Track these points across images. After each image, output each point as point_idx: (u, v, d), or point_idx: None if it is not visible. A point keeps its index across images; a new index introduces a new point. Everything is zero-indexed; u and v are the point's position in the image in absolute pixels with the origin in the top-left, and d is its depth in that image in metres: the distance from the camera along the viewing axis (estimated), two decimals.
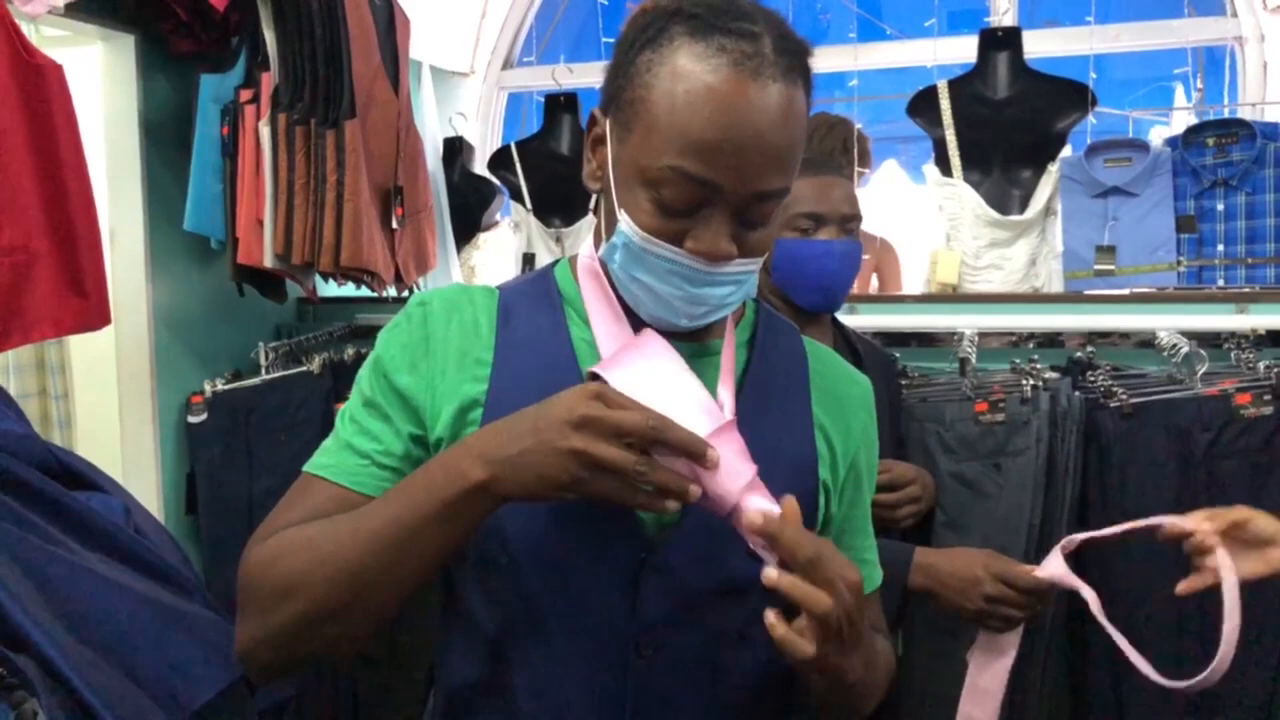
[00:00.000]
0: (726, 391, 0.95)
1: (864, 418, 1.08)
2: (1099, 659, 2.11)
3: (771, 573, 0.82)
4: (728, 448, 0.84)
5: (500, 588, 0.95)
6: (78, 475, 1.26)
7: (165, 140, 2.45)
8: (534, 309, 0.99)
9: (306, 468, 0.96)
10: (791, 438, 1.00)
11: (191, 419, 2.56)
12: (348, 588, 0.86)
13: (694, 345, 0.98)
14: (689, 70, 0.84)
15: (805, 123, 0.89)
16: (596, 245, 0.97)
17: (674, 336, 0.93)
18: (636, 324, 0.95)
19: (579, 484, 0.80)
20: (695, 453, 0.81)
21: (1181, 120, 3.03)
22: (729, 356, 0.98)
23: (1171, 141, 2.57)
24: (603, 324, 0.95)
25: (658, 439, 0.80)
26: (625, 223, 0.89)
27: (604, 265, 0.95)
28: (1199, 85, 3.06)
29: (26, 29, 2.36)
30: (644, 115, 0.86)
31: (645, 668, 0.93)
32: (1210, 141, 2.49)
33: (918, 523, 1.80)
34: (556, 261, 1.05)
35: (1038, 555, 2.09)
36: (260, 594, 0.90)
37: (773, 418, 0.99)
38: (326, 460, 0.96)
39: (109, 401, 2.54)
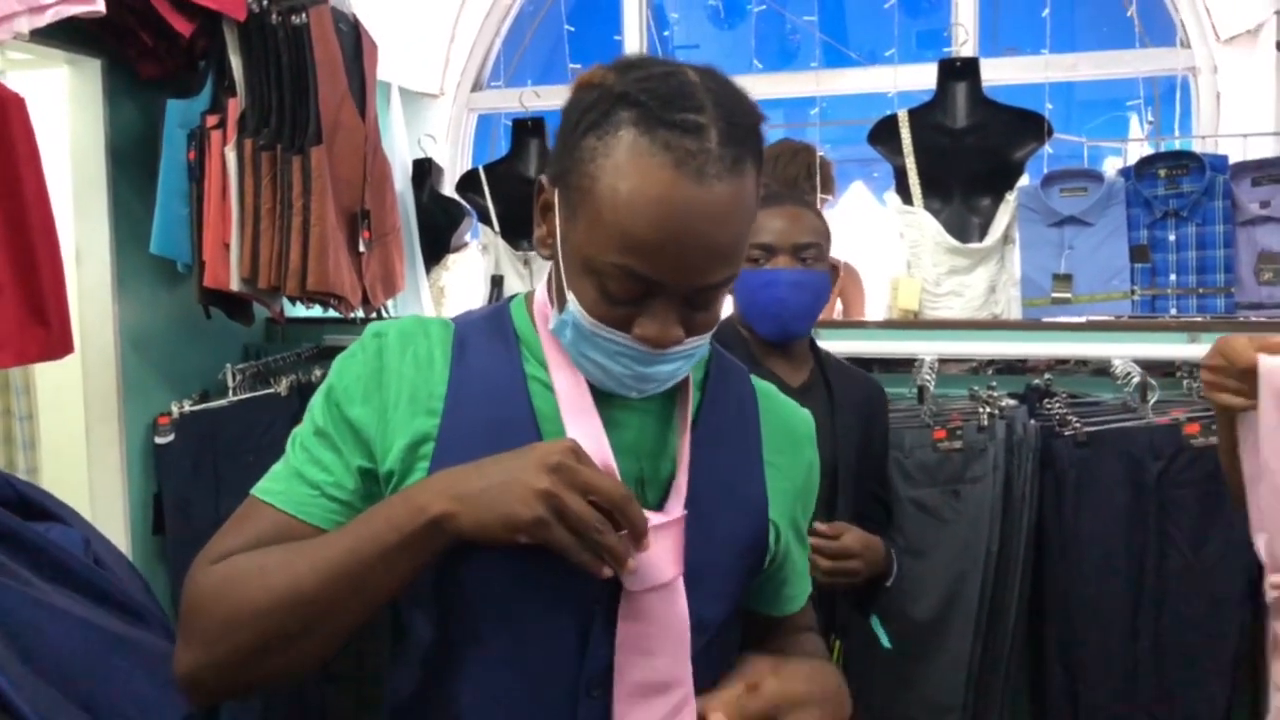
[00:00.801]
0: (684, 444, 0.97)
1: (809, 452, 1.11)
2: (1055, 664, 2.15)
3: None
4: (665, 542, 0.89)
5: (452, 625, 0.96)
6: (37, 506, 1.26)
7: (132, 164, 2.46)
8: (489, 346, 0.99)
9: (255, 491, 0.97)
10: (743, 480, 1.03)
11: (159, 440, 2.56)
12: (299, 618, 0.87)
13: None
14: (632, 169, 0.83)
15: (753, 205, 0.88)
16: (549, 293, 0.98)
17: None
18: None
19: (539, 526, 0.82)
20: (638, 533, 0.86)
21: (1136, 151, 3.09)
22: (686, 406, 1.00)
23: (1125, 172, 2.62)
24: (559, 369, 0.96)
25: (623, 508, 0.84)
26: (574, 304, 0.90)
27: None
28: (1150, 117, 3.13)
29: None
30: (588, 207, 0.85)
31: (594, 708, 0.94)
32: (1162, 173, 2.55)
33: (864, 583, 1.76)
34: (513, 297, 1.06)
35: (996, 581, 2.13)
36: (207, 621, 0.90)
37: (725, 460, 1.01)
38: (276, 487, 0.96)
39: (75, 423, 2.53)
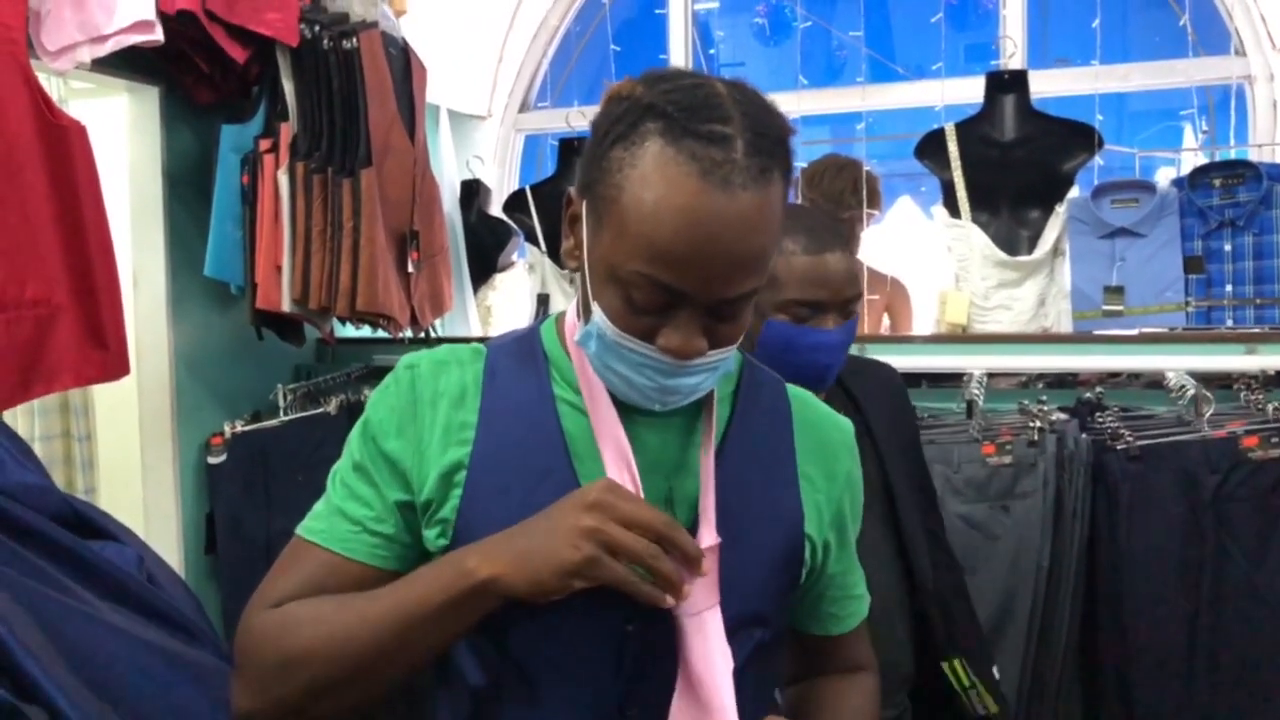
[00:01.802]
0: (707, 462, 0.97)
1: (848, 462, 1.10)
2: (1109, 683, 2.11)
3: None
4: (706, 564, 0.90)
5: (486, 645, 0.96)
6: (93, 525, 1.29)
7: (187, 188, 2.51)
8: (519, 371, 1.00)
9: (299, 531, 0.99)
10: (776, 495, 1.02)
11: (211, 460, 2.60)
12: (350, 669, 0.90)
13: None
14: (658, 178, 0.83)
15: (780, 217, 0.88)
16: (579, 313, 0.98)
17: None
18: None
19: (592, 565, 0.83)
20: (692, 559, 0.86)
21: (1190, 161, 3.04)
22: (710, 422, 1.00)
23: (1178, 182, 2.58)
24: (586, 389, 0.97)
25: (670, 537, 0.85)
26: (599, 315, 0.90)
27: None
28: (1205, 126, 3.08)
29: (55, 81, 2.44)
30: (615, 216, 0.86)
31: None
32: (1216, 182, 2.51)
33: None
34: (540, 315, 1.07)
35: (1047, 597, 2.10)
36: (261, 664, 0.93)
37: (757, 476, 1.01)
38: (319, 525, 0.98)
39: (131, 443, 2.59)
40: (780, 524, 1.01)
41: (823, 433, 1.08)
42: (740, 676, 0.94)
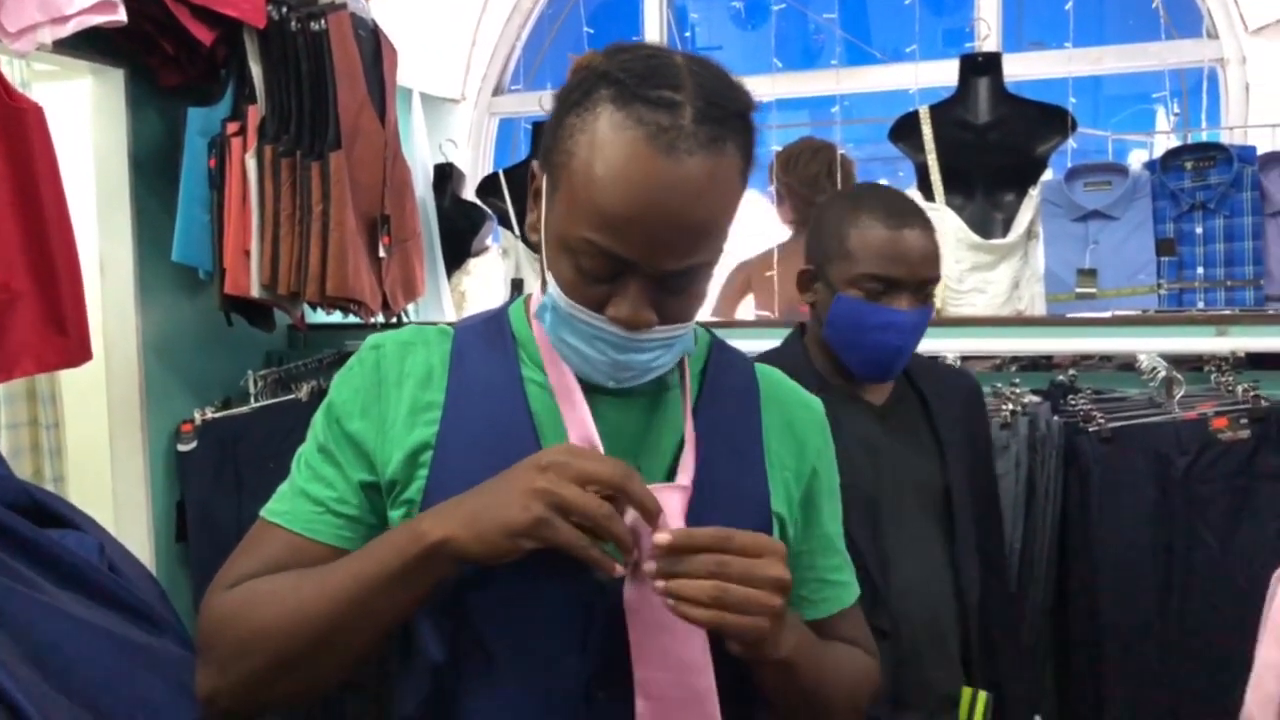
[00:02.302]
0: (690, 432, 0.96)
1: (818, 440, 1.08)
2: (1079, 662, 2.12)
3: (663, 536, 0.83)
4: (670, 507, 0.87)
5: (445, 621, 0.95)
6: (53, 513, 1.27)
7: (154, 172, 2.48)
8: (487, 351, 0.99)
9: (263, 513, 0.98)
10: (743, 472, 1.01)
11: (181, 447, 2.58)
12: (309, 642, 0.88)
13: (652, 382, 0.98)
14: (605, 142, 0.83)
15: (736, 184, 0.87)
16: (541, 290, 0.97)
17: None
18: None
19: (540, 526, 0.81)
20: (650, 511, 0.84)
21: (1162, 144, 3.05)
22: (686, 395, 0.99)
23: (1150, 165, 2.59)
24: (552, 367, 0.96)
25: (625, 488, 0.83)
26: (553, 286, 0.90)
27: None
28: (1177, 109, 3.09)
29: (17, 64, 2.40)
30: (565, 183, 0.86)
31: (599, 710, 0.93)
32: (1188, 165, 2.51)
33: None
34: (513, 299, 1.06)
35: (1019, 578, 2.10)
36: (221, 645, 0.92)
37: (724, 451, 1.00)
38: (282, 507, 0.97)
39: (99, 430, 2.56)
40: (746, 502, 1.00)
41: (790, 411, 1.07)
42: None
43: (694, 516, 0.91)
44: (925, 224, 1.48)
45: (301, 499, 0.96)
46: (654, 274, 0.86)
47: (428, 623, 0.97)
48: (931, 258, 1.46)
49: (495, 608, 0.93)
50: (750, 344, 1.41)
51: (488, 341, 1.00)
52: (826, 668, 1.00)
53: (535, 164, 0.95)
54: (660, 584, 0.83)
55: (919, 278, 1.44)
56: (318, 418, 1.00)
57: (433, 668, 0.97)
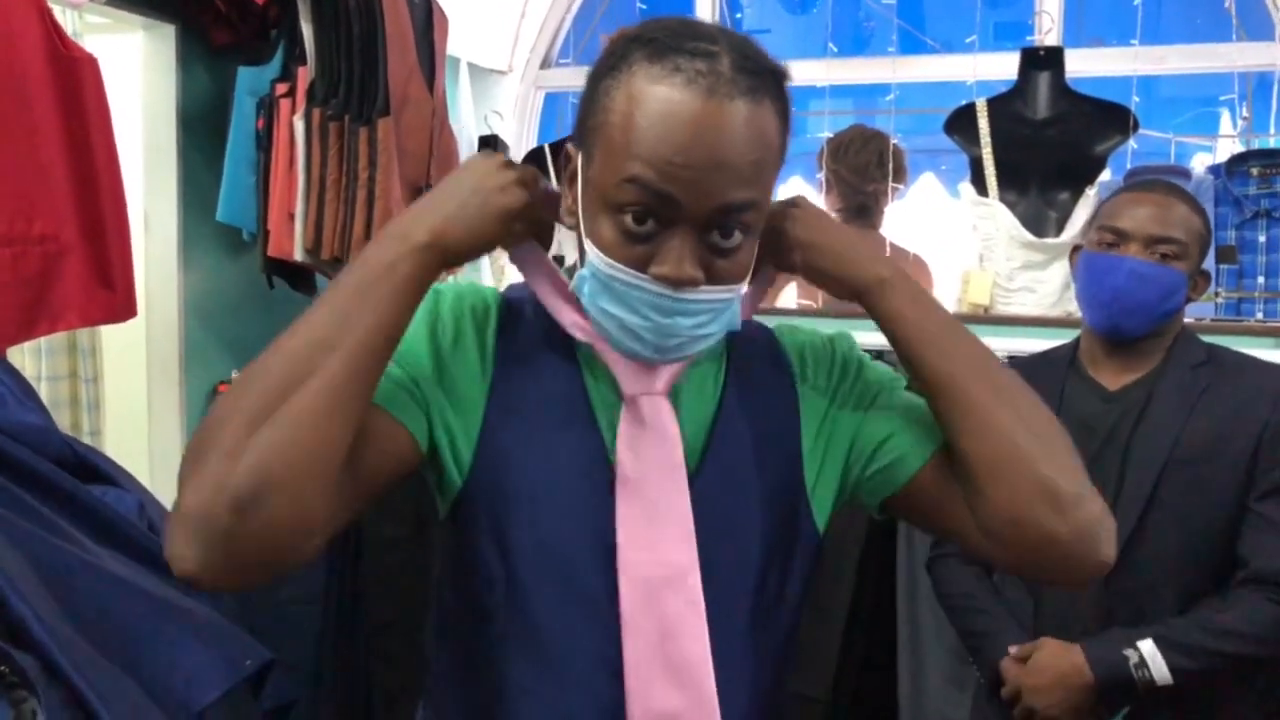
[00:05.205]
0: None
1: (834, 348, 1.07)
2: None
3: None
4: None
5: (495, 606, 0.94)
6: (94, 469, 1.27)
7: (201, 131, 2.47)
8: (536, 318, 1.00)
9: None
10: (776, 421, 1.02)
11: None
12: (287, 377, 0.81)
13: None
14: (644, 90, 0.84)
15: (775, 138, 0.88)
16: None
17: None
18: None
19: (531, 208, 0.92)
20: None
21: (1226, 148, 2.98)
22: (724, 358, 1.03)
23: (1214, 169, 2.52)
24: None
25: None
26: (591, 251, 0.88)
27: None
28: (1245, 113, 3.01)
29: (70, 15, 2.39)
30: (604, 139, 0.86)
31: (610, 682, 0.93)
32: (1254, 171, 2.45)
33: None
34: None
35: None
36: (199, 439, 0.81)
37: (755, 429, 1.00)
38: None
39: (138, 386, 2.56)
40: (778, 447, 1.01)
41: (807, 340, 1.08)
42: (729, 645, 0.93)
43: (720, 474, 0.97)
44: (1180, 196, 1.63)
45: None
46: (697, 219, 0.85)
47: (475, 610, 0.96)
48: (1163, 220, 1.58)
49: (546, 589, 0.93)
50: None
51: (537, 309, 1.00)
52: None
53: (570, 146, 0.95)
54: None
55: (1145, 233, 1.58)
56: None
57: (457, 628, 0.99)
